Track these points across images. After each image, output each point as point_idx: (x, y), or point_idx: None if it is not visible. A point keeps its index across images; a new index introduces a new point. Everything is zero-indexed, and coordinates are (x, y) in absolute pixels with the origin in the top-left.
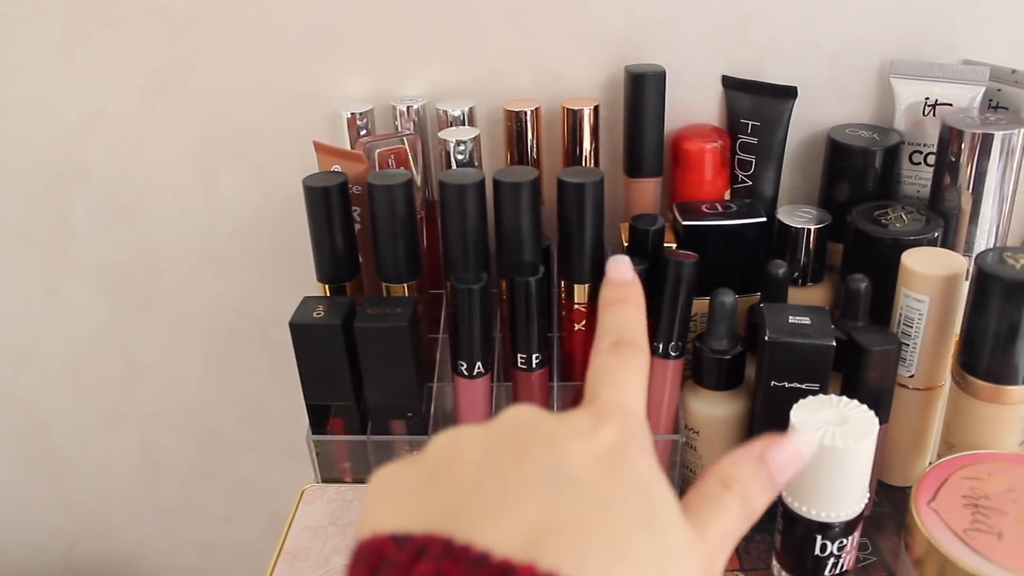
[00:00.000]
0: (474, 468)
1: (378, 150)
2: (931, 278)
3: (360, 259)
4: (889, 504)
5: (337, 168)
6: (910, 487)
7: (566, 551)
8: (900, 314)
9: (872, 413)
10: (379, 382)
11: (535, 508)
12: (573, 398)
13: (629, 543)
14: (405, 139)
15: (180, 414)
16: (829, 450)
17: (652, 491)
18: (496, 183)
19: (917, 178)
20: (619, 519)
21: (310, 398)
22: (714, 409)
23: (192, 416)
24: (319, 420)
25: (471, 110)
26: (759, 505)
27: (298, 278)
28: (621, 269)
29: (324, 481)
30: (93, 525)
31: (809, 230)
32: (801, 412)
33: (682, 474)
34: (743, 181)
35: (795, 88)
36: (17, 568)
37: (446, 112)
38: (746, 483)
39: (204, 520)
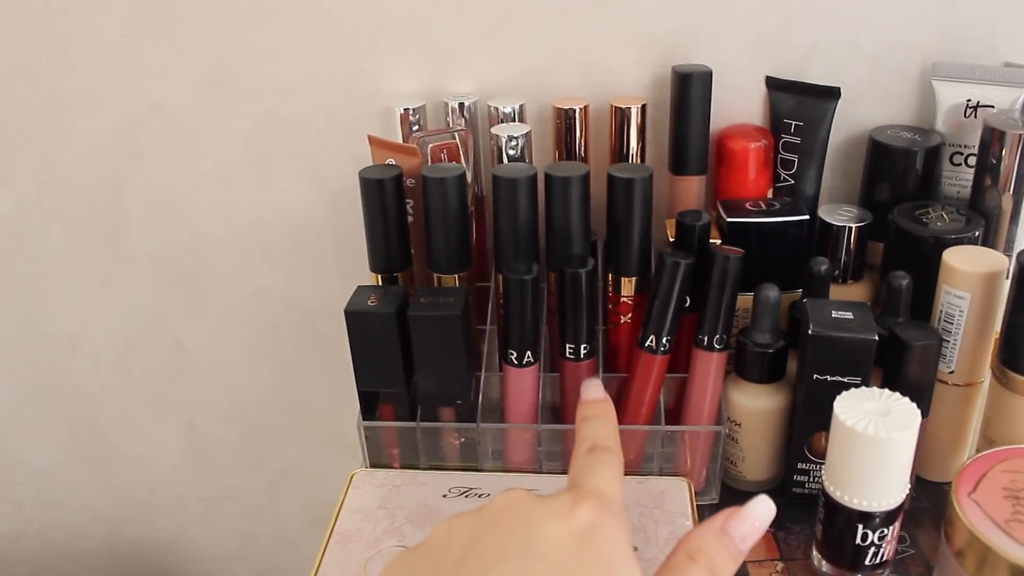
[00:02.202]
0: (462, 547)
1: (431, 144)
2: (972, 275)
3: (412, 251)
4: (927, 499)
5: (391, 161)
6: (948, 483)
7: None
8: (941, 311)
9: (914, 405)
10: (430, 370)
11: None
12: (617, 390)
13: None
14: (457, 135)
15: (226, 404)
16: (872, 440)
17: (615, 570)
18: (548, 177)
19: (957, 179)
20: None
21: (362, 384)
22: (756, 402)
23: (237, 406)
24: (369, 407)
25: (521, 107)
26: (723, 571)
27: (346, 271)
28: (592, 390)
29: (372, 467)
30: (136, 511)
31: (850, 228)
32: (844, 403)
33: (723, 466)
34: (785, 180)
35: (838, 89)
36: (61, 552)
37: (497, 109)
38: (711, 554)
39: (245, 509)
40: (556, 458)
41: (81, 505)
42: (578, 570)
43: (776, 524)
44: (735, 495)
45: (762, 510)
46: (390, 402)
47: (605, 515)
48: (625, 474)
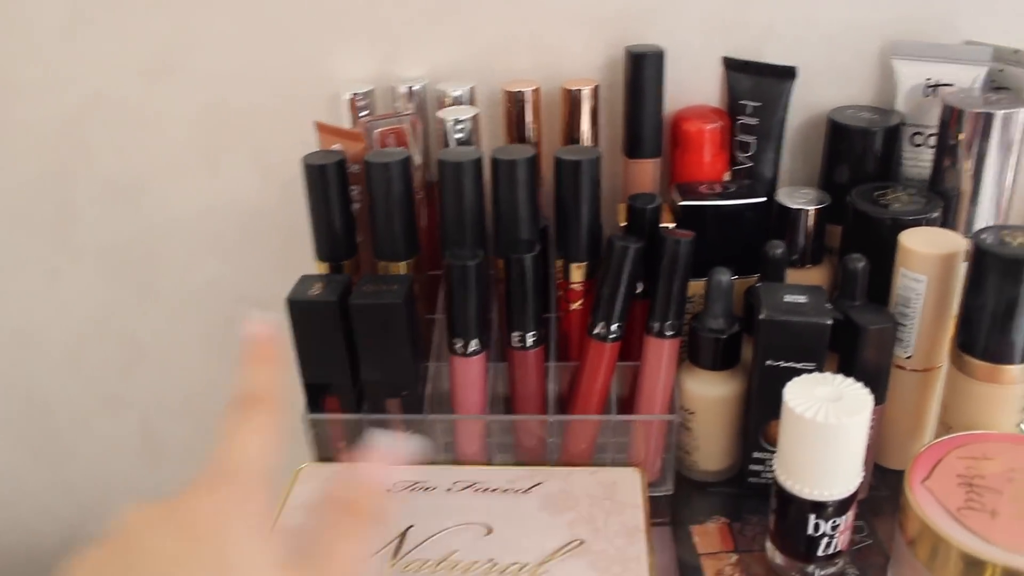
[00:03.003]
0: None
1: (378, 130)
2: (929, 257)
3: (359, 239)
4: (886, 488)
5: (337, 147)
6: None
7: None
8: (898, 294)
9: (867, 390)
10: (374, 360)
11: None
12: (568, 380)
13: None
14: (405, 119)
15: (180, 398)
16: (823, 427)
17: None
18: (494, 161)
19: (918, 160)
20: None
21: (306, 377)
22: (710, 389)
23: (192, 401)
24: (315, 399)
25: (471, 91)
26: (374, 511)
27: (299, 262)
28: (255, 326)
29: (320, 461)
30: (93, 510)
31: (808, 211)
32: (795, 389)
33: (677, 456)
34: (743, 163)
35: (795, 68)
36: (14, 556)
37: (447, 93)
38: (356, 498)
39: None
40: (507, 449)
41: (35, 505)
42: None
43: (732, 515)
44: (690, 485)
45: (386, 441)
46: (336, 394)
47: (229, 504)
48: (576, 465)
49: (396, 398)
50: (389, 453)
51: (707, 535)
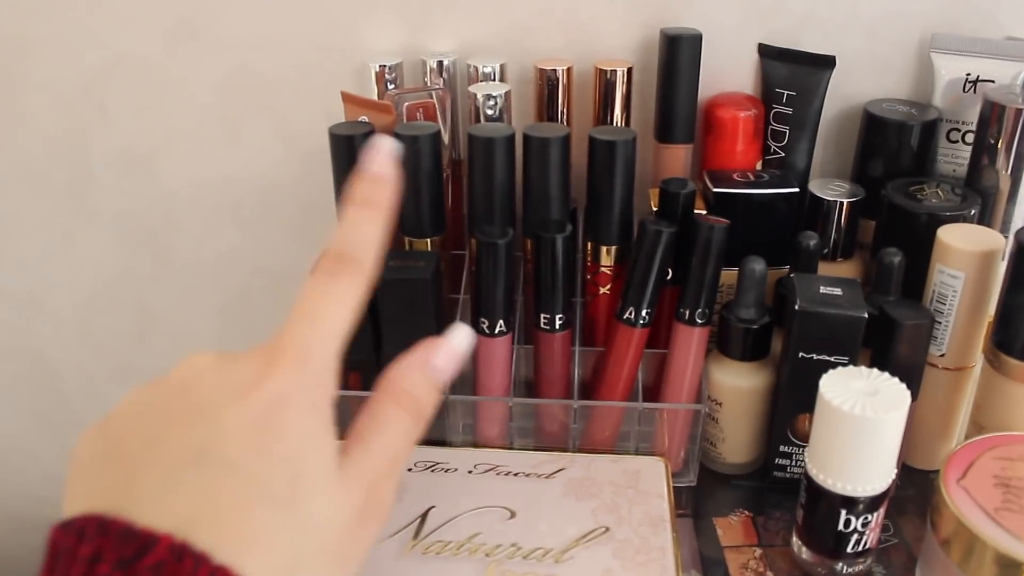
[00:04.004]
0: (140, 444)
1: (407, 103)
2: (967, 254)
3: None
4: (912, 488)
5: (364, 119)
6: (935, 471)
7: (211, 537)
8: (933, 291)
9: (904, 385)
10: (398, 335)
11: (186, 496)
12: (593, 365)
13: (266, 525)
14: (435, 93)
15: None
16: (859, 420)
17: (301, 459)
18: (526, 138)
19: (954, 156)
20: (261, 503)
21: None
22: (738, 380)
23: None
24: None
25: (502, 67)
26: (428, 408)
27: (318, 235)
28: (380, 157)
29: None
30: None
31: (841, 203)
32: (831, 381)
33: (702, 447)
34: (775, 152)
35: (833, 57)
36: (20, 522)
37: (477, 68)
38: (416, 393)
39: None
40: (527, 434)
41: (42, 473)
42: (260, 472)
43: (755, 509)
44: (713, 477)
45: (460, 339)
46: (359, 370)
47: (296, 386)
48: (600, 452)
49: None
50: (446, 346)
51: (730, 528)
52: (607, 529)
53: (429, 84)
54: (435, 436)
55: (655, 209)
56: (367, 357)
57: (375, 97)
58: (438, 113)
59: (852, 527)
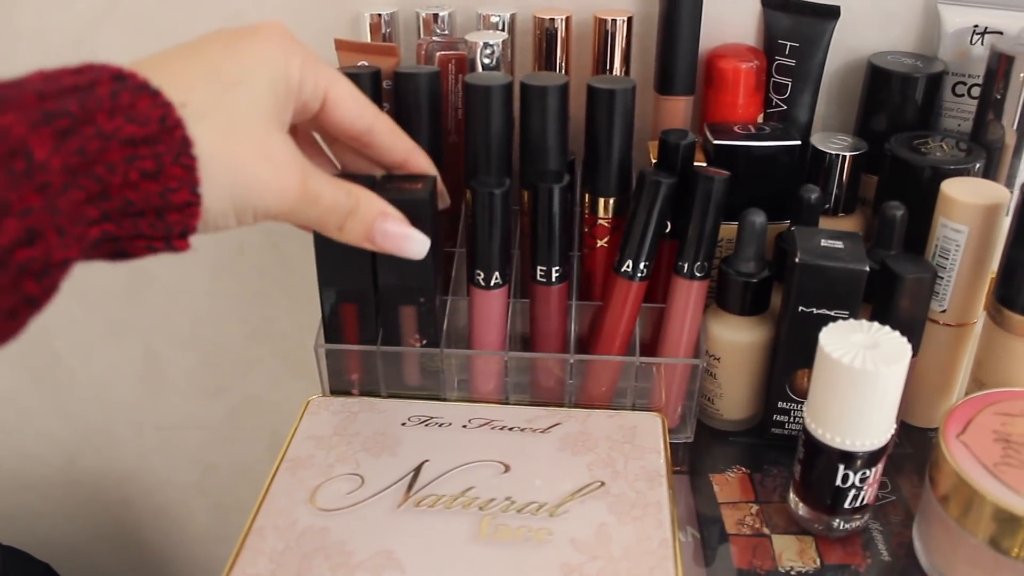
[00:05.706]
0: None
1: (439, 52)
2: (971, 207)
3: None
4: (910, 446)
5: (364, 63)
6: (933, 429)
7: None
8: (936, 245)
9: (904, 339)
10: (393, 261)
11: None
12: (590, 320)
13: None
14: (468, 46)
15: (186, 327)
16: (859, 373)
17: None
18: (524, 87)
19: (959, 111)
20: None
21: (324, 282)
22: (737, 335)
23: (198, 330)
24: (333, 311)
25: (512, 16)
26: (348, 230)
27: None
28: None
29: (332, 394)
30: (93, 438)
31: (844, 157)
32: (831, 335)
33: (699, 403)
34: (777, 105)
35: (837, 8)
36: (15, 480)
37: (487, 17)
38: (360, 212)
39: (206, 439)
40: (523, 390)
41: (36, 431)
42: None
43: (753, 466)
44: (710, 434)
45: (415, 239)
46: (355, 301)
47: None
48: (596, 408)
49: (412, 305)
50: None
51: (727, 485)
52: (603, 484)
53: (436, 33)
54: (430, 391)
55: (654, 161)
56: (364, 286)
57: None
58: (468, 67)
59: (850, 482)
